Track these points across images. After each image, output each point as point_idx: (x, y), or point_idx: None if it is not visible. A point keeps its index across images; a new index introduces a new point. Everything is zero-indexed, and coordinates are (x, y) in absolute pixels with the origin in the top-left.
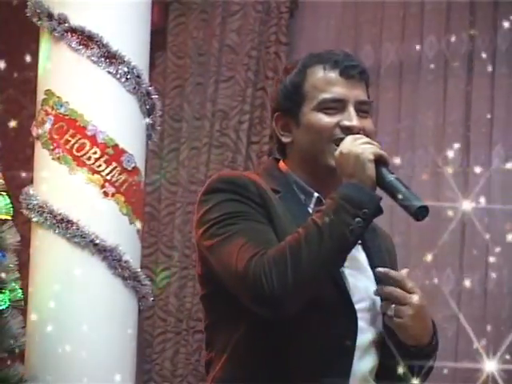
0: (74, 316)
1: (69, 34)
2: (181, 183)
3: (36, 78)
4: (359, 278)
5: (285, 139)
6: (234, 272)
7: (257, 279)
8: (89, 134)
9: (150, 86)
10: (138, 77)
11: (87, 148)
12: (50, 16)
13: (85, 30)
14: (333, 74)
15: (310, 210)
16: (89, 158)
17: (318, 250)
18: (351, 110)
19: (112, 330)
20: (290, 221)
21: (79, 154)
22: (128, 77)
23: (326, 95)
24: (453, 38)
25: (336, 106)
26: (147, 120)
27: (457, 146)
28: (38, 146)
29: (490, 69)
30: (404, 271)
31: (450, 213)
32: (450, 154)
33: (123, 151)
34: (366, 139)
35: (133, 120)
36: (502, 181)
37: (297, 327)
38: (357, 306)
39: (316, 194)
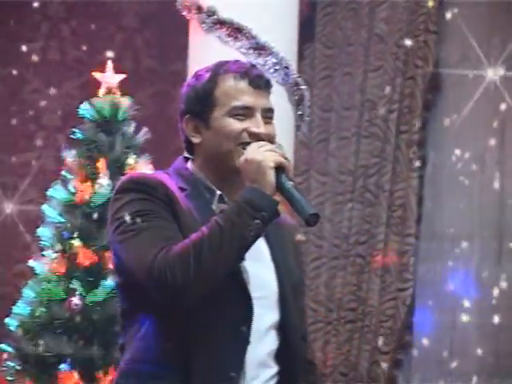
0: None
1: (218, 26)
2: (330, 173)
3: (186, 71)
4: (259, 268)
5: (195, 140)
6: (142, 266)
7: (161, 273)
8: None
9: (299, 76)
10: (287, 68)
11: None
12: (200, 9)
13: (234, 22)
14: (243, 84)
15: (214, 207)
16: None
17: (219, 248)
18: (259, 117)
19: None
20: (194, 217)
21: None
22: (277, 68)
23: (237, 103)
24: None
25: (245, 112)
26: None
27: None
28: None
29: None
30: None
31: None
32: None
33: None
34: (270, 147)
35: (282, 111)
36: None
37: (197, 316)
38: (254, 294)
39: (218, 192)
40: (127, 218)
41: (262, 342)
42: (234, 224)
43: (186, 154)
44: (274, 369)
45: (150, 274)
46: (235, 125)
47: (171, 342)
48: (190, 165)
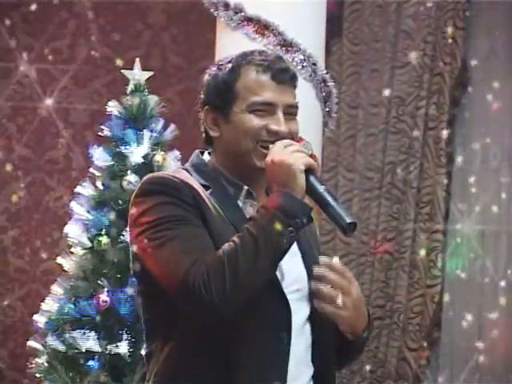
0: None
1: (245, 23)
2: (358, 170)
3: None
4: (290, 261)
5: (213, 133)
6: (173, 280)
7: (196, 288)
8: None
9: (326, 73)
10: (314, 64)
11: None
12: (227, 6)
13: (261, 19)
14: (265, 77)
15: (240, 204)
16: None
17: (254, 259)
18: (280, 114)
19: None
20: (222, 217)
21: None
22: (304, 64)
23: (257, 98)
24: None
25: (266, 108)
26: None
27: None
28: None
29: None
30: (335, 259)
31: None
32: None
33: (300, 139)
34: (296, 147)
35: (309, 107)
36: None
37: (233, 326)
38: (289, 289)
39: (245, 187)
40: (152, 225)
41: (300, 339)
42: (266, 232)
43: (205, 146)
44: (311, 369)
45: (182, 290)
46: (254, 121)
47: (205, 355)
48: (207, 157)
